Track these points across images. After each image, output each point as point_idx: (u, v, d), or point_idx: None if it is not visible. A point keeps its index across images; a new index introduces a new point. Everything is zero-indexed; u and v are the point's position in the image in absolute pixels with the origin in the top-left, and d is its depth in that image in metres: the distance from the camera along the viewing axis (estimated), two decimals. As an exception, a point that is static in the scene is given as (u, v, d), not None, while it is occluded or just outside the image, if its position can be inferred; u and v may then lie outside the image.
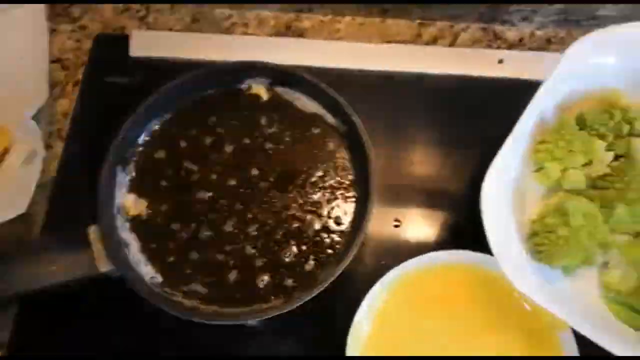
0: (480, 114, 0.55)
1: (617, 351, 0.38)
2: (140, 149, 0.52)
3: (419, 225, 0.52)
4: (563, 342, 0.44)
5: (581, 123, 0.45)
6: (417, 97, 0.57)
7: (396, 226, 0.52)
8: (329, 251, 0.48)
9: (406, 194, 0.54)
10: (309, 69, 0.54)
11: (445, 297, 0.47)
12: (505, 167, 0.44)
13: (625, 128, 0.44)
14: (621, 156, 0.45)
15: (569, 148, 0.44)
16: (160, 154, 0.52)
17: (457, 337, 0.45)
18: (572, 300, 0.44)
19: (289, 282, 0.48)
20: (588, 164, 0.45)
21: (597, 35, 0.43)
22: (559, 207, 0.42)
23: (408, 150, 0.55)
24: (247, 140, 0.52)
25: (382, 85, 0.57)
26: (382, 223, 0.53)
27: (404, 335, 0.46)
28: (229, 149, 0.52)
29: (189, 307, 0.47)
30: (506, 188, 0.44)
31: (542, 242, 0.43)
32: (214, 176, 0.51)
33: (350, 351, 0.44)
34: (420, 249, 0.49)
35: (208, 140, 0.52)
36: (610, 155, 0.45)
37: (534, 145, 0.46)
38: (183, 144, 0.52)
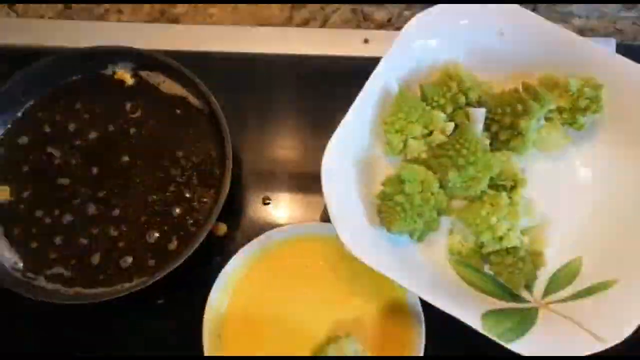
0: (346, 94, 0.57)
1: (448, 310, 0.40)
2: (1, 135, 0.52)
3: (288, 202, 0.54)
4: (410, 304, 0.46)
5: (423, 96, 0.48)
6: (288, 78, 0.58)
7: (266, 204, 0.54)
8: (192, 229, 0.49)
9: (276, 172, 0.55)
10: (182, 54, 0.54)
11: (303, 267, 0.48)
12: (349, 140, 0.46)
13: (462, 99, 0.47)
14: (461, 126, 0.48)
15: (409, 119, 0.46)
16: (24, 140, 0.52)
17: (314, 304, 0.47)
18: (421, 265, 0.46)
19: (152, 262, 0.48)
20: (429, 134, 0.47)
21: (424, 17, 0.46)
22: (396, 176, 0.44)
23: (279, 129, 0.56)
24: (111, 127, 0.53)
25: (253, 67, 0.58)
26: (253, 201, 0.54)
27: (262, 305, 0.47)
28: (93, 135, 0.52)
29: (50, 290, 0.47)
30: (351, 160, 0.46)
31: (381, 209, 0.45)
32: (76, 161, 0.51)
33: (206, 325, 0.45)
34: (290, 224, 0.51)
35: (72, 126, 0.53)
36: (451, 125, 0.47)
37: (383, 118, 0.48)
38: (47, 129, 0.53)
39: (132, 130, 0.52)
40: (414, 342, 0.45)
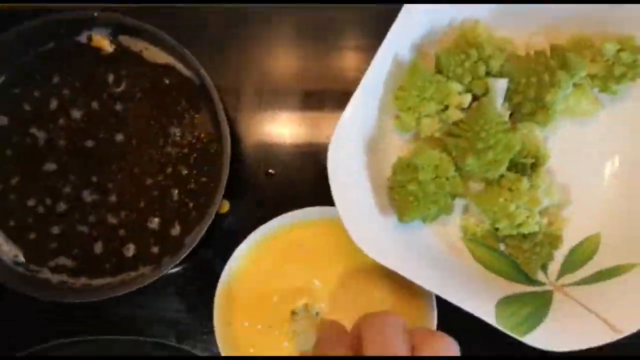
0: (359, 49, 0.51)
1: (460, 304, 0.40)
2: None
3: (292, 174, 0.51)
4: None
5: (439, 65, 0.43)
6: (288, 36, 0.52)
7: (269, 176, 0.51)
8: (193, 213, 0.47)
9: (278, 143, 0.51)
10: (161, 11, 0.48)
11: (313, 251, 0.46)
12: (358, 118, 0.42)
13: (481, 68, 0.42)
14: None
15: (422, 95, 0.41)
16: (3, 120, 0.48)
17: (328, 288, 0.46)
18: (432, 248, 0.44)
19: (155, 249, 0.47)
20: (444, 109, 0.43)
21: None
22: (409, 161, 0.41)
23: (279, 96, 0.51)
24: (95, 104, 0.48)
25: (246, 23, 0.52)
26: (255, 175, 0.51)
27: (272, 290, 0.46)
28: (77, 113, 0.48)
29: (57, 282, 0.47)
30: (360, 140, 0.43)
31: (393, 197, 0.42)
32: (62, 143, 0.48)
33: (216, 312, 0.45)
34: (294, 198, 0.48)
35: (54, 104, 0.48)
36: (468, 97, 0.43)
37: (394, 91, 0.44)
38: (27, 107, 0.48)
39: (119, 107, 0.48)
40: (426, 324, 0.45)
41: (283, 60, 0.52)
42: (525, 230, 0.41)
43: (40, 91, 0.48)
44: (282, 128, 0.51)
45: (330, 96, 0.52)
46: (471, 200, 0.43)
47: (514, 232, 0.42)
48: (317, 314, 0.45)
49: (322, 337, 0.34)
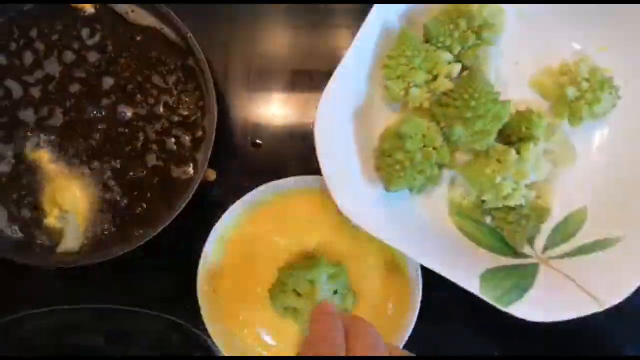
0: (349, 18, 0.50)
1: (445, 274, 0.40)
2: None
3: (279, 145, 0.50)
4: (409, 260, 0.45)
5: (428, 35, 0.42)
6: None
7: (256, 147, 0.50)
8: (182, 179, 0.46)
9: (265, 113, 0.50)
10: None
11: (300, 219, 0.46)
12: (346, 86, 0.41)
13: (472, 38, 0.41)
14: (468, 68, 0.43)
15: (411, 65, 0.41)
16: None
17: (311, 258, 0.46)
18: (419, 219, 0.44)
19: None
20: (433, 79, 0.42)
21: None
22: (396, 131, 0.41)
23: (267, 65, 0.50)
24: (71, 55, 0.47)
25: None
26: (242, 144, 0.50)
27: (257, 257, 0.46)
28: (52, 69, 0.47)
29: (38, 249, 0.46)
30: (348, 109, 0.42)
31: (380, 166, 0.42)
32: (39, 100, 0.46)
33: (200, 279, 0.44)
34: (281, 169, 0.48)
35: (29, 58, 0.47)
36: (458, 67, 0.42)
37: (383, 60, 0.43)
38: (3, 60, 0.47)
39: (105, 68, 0.46)
40: (410, 296, 0.44)
41: (273, 37, 0.51)
42: (511, 202, 0.41)
43: (16, 44, 0.47)
44: (270, 103, 0.51)
45: (320, 74, 0.50)
46: (458, 171, 0.43)
47: (500, 205, 0.42)
48: (335, 292, 0.43)
49: (315, 336, 0.32)
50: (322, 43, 0.51)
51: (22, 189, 0.46)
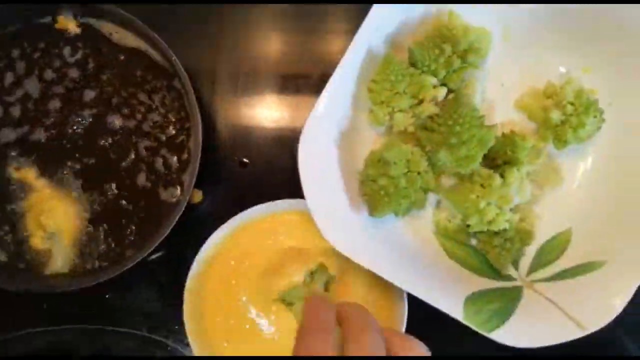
0: (338, 34, 0.50)
1: (428, 300, 0.40)
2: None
3: (267, 166, 0.50)
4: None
5: (412, 59, 0.42)
6: (264, 22, 0.50)
7: (242, 166, 0.50)
8: (167, 202, 0.46)
9: (253, 133, 0.50)
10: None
11: (285, 242, 0.45)
12: (330, 111, 0.41)
13: (457, 62, 0.41)
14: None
15: (395, 90, 0.41)
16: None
17: (294, 277, 0.45)
18: (404, 242, 0.44)
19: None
20: (418, 103, 0.42)
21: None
22: (380, 156, 0.41)
23: (255, 84, 0.50)
24: (51, 74, 0.46)
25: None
26: (229, 165, 0.50)
27: (243, 279, 0.45)
28: (32, 87, 0.46)
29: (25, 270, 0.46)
30: (333, 133, 0.42)
31: (364, 191, 0.42)
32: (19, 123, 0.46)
33: (186, 306, 0.44)
34: (268, 189, 0.47)
35: (10, 77, 0.46)
36: (443, 91, 0.42)
37: (368, 84, 0.43)
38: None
39: (87, 91, 0.46)
40: (396, 313, 0.44)
41: (261, 43, 0.50)
42: (495, 227, 0.41)
43: None
44: (258, 114, 0.50)
45: (309, 81, 0.50)
46: (443, 195, 0.43)
47: (485, 229, 0.42)
48: (326, 283, 0.44)
49: (307, 325, 0.33)
50: (311, 50, 0.50)
51: (6, 210, 0.46)
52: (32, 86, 0.46)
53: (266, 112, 0.50)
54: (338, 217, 0.41)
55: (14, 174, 0.46)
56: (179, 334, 0.49)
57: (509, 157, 0.42)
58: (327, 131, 0.41)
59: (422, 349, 0.32)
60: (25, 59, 0.46)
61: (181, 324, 0.46)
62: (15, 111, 0.46)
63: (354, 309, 0.34)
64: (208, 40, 0.50)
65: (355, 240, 0.40)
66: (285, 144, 0.50)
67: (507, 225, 0.41)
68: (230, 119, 0.50)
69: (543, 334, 0.40)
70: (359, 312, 0.34)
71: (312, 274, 0.44)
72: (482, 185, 0.41)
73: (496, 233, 0.42)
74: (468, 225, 0.43)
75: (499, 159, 0.42)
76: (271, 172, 0.50)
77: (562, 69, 0.45)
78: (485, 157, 0.42)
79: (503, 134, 0.42)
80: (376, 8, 0.39)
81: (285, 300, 0.44)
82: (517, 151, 0.41)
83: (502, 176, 0.41)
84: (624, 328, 0.48)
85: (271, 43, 0.50)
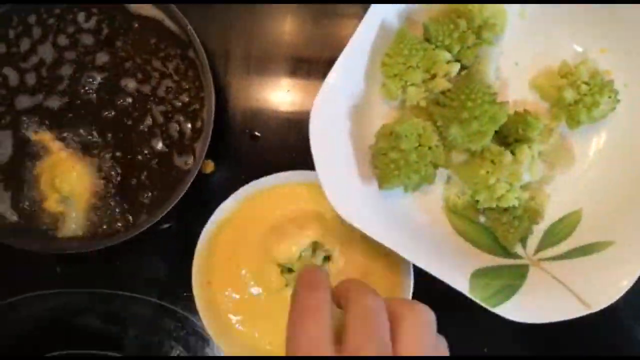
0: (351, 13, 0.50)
1: (435, 273, 0.40)
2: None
3: (277, 139, 0.50)
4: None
5: (427, 34, 0.42)
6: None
7: (254, 139, 0.51)
8: (180, 169, 0.47)
9: (265, 106, 0.51)
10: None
11: (294, 212, 0.46)
12: (343, 84, 0.41)
13: (471, 38, 0.41)
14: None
15: (408, 63, 0.41)
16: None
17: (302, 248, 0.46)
18: (412, 216, 0.44)
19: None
20: (431, 78, 0.42)
21: None
22: (392, 129, 0.41)
23: (268, 58, 0.50)
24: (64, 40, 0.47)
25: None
26: (240, 137, 0.51)
27: (252, 247, 0.46)
28: (48, 54, 0.47)
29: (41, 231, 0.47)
30: (344, 106, 0.42)
31: (374, 164, 0.42)
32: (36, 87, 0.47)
33: (195, 269, 0.45)
34: (278, 162, 0.47)
35: (26, 44, 0.47)
36: (456, 66, 0.42)
37: (382, 58, 0.43)
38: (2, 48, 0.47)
39: (99, 55, 0.47)
40: (401, 289, 0.45)
41: (273, 25, 0.51)
42: (504, 204, 0.41)
43: (14, 31, 0.47)
44: (270, 94, 0.51)
45: (320, 63, 0.51)
46: (453, 170, 0.43)
47: (494, 205, 0.42)
48: (325, 258, 0.45)
49: (299, 304, 0.32)
50: (324, 33, 0.50)
51: (23, 173, 0.47)
52: (46, 52, 0.47)
53: (277, 94, 0.51)
54: (347, 189, 0.41)
55: (32, 136, 0.47)
56: (188, 301, 0.50)
57: (521, 135, 0.42)
58: (339, 103, 0.41)
59: (428, 317, 0.31)
60: (41, 25, 0.47)
61: (190, 292, 0.47)
62: (31, 78, 0.47)
63: (352, 281, 0.33)
64: (222, 19, 0.50)
65: (364, 211, 0.41)
66: (296, 121, 0.50)
67: (516, 202, 0.41)
68: (242, 98, 0.51)
69: (548, 310, 0.40)
70: (358, 282, 0.33)
71: (314, 246, 0.44)
72: (492, 162, 0.41)
73: (505, 210, 0.42)
74: (477, 202, 0.43)
75: (511, 136, 0.42)
76: (281, 146, 0.50)
77: (578, 48, 0.44)
78: (497, 134, 0.42)
79: (516, 112, 0.42)
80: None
81: (291, 271, 0.45)
82: (529, 129, 0.41)
83: (512, 153, 0.41)
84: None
85: (284, 25, 0.51)
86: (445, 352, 0.32)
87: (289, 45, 0.51)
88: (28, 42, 0.47)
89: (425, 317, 0.31)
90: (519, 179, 0.41)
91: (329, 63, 0.40)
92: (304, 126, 0.49)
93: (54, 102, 0.47)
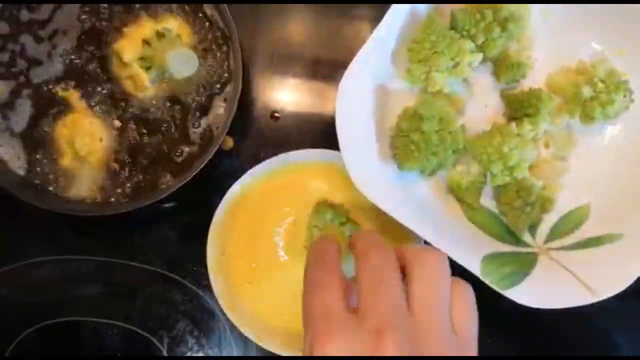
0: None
1: (449, 253, 0.40)
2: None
3: (299, 120, 0.52)
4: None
5: (454, 23, 0.43)
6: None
7: (275, 119, 0.52)
8: (200, 142, 0.48)
9: (286, 86, 0.52)
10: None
11: (312, 190, 0.47)
12: (370, 65, 0.43)
13: (496, 30, 0.43)
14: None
15: (434, 49, 0.42)
16: (3, 28, 0.48)
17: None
18: (428, 200, 0.46)
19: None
20: (455, 65, 0.43)
21: None
22: (415, 111, 0.42)
23: (291, 39, 0.52)
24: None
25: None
26: (261, 116, 0.52)
27: (268, 224, 0.47)
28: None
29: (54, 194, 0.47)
30: (370, 87, 0.43)
31: (395, 144, 0.43)
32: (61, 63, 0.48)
33: (211, 239, 0.46)
34: (299, 143, 0.49)
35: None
36: (479, 57, 0.43)
37: (408, 43, 0.44)
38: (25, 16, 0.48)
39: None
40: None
41: (295, 23, 0.52)
42: (518, 174, 0.42)
43: None
44: (291, 85, 0.52)
45: (343, 64, 0.52)
46: (467, 145, 0.44)
47: (507, 179, 0.43)
48: (340, 223, 0.45)
49: (312, 254, 0.33)
50: (346, 35, 0.52)
51: (44, 126, 0.47)
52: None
53: (299, 83, 0.52)
54: (368, 167, 0.42)
55: (60, 92, 0.47)
56: (197, 275, 0.51)
57: (532, 112, 0.43)
58: (364, 83, 0.43)
59: (441, 265, 0.31)
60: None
61: (200, 265, 0.47)
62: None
63: (363, 233, 0.34)
64: (246, 19, 0.51)
65: (383, 189, 0.42)
66: (316, 108, 0.51)
67: (527, 174, 0.43)
68: (266, 82, 0.52)
69: (555, 297, 0.41)
70: (368, 233, 0.34)
71: (331, 217, 0.45)
72: (500, 133, 0.42)
73: (519, 196, 0.43)
74: (483, 183, 0.44)
75: (521, 111, 0.44)
76: (301, 128, 0.51)
77: (597, 47, 0.46)
78: (509, 107, 0.44)
79: (530, 89, 0.44)
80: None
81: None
82: (541, 104, 0.43)
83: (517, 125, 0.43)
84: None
85: (305, 23, 0.52)
86: (464, 293, 0.32)
87: (312, 40, 0.52)
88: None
89: (433, 264, 0.31)
90: (527, 146, 0.42)
91: (348, 59, 0.42)
92: (324, 114, 0.51)
93: (82, 63, 0.48)
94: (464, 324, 0.31)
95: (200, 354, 0.50)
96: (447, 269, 0.32)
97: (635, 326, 0.50)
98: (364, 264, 0.31)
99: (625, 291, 0.41)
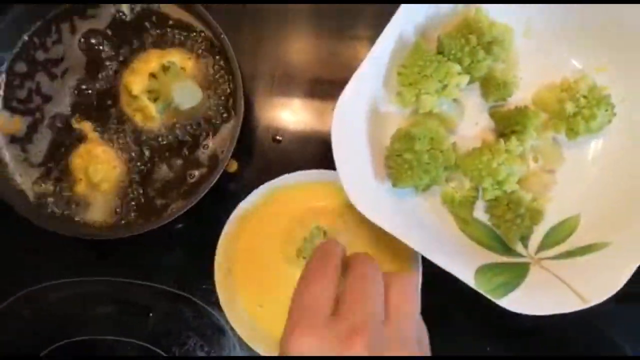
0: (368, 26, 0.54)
1: (444, 266, 0.43)
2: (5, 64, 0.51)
3: (300, 142, 0.54)
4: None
5: (441, 48, 0.46)
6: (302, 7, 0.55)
7: (277, 142, 0.54)
8: (205, 167, 0.51)
9: (287, 110, 0.55)
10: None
11: (314, 210, 0.50)
12: (363, 89, 0.45)
13: (481, 53, 0.45)
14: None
15: (423, 73, 0.45)
16: (22, 67, 0.51)
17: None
18: (422, 215, 0.48)
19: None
20: (444, 87, 0.46)
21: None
22: (407, 132, 0.44)
23: (291, 64, 0.55)
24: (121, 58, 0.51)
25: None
26: (263, 139, 0.54)
27: (273, 243, 0.50)
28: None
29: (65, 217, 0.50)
30: (363, 111, 0.46)
31: (389, 164, 0.45)
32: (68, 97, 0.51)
33: (217, 259, 0.48)
34: (300, 165, 0.51)
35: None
36: (466, 78, 0.46)
37: (398, 68, 0.47)
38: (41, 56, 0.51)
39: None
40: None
41: (295, 45, 0.55)
42: (507, 187, 0.45)
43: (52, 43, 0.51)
44: (292, 106, 0.55)
45: (341, 84, 0.55)
46: (459, 162, 0.47)
47: (498, 193, 0.45)
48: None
49: (318, 250, 0.38)
50: (343, 53, 0.55)
51: (60, 156, 0.51)
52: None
53: (299, 104, 0.55)
54: (364, 185, 0.44)
55: (74, 124, 0.51)
56: (206, 292, 0.53)
57: (518, 128, 0.46)
58: (358, 107, 0.45)
59: (409, 279, 0.36)
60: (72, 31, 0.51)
61: (208, 284, 0.50)
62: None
63: (357, 253, 0.38)
64: (246, 42, 0.55)
65: (379, 206, 0.44)
66: (315, 129, 0.54)
67: (516, 187, 0.45)
68: (267, 105, 0.55)
69: (548, 304, 0.43)
70: (361, 254, 0.38)
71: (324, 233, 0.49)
72: (490, 150, 0.45)
73: (509, 208, 0.46)
74: (475, 197, 0.47)
75: (508, 128, 0.46)
76: (302, 151, 0.54)
77: (579, 66, 0.48)
78: (498, 125, 0.47)
79: (516, 107, 0.46)
80: (405, 7, 0.43)
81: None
82: (527, 121, 0.45)
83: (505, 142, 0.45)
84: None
85: (305, 46, 0.55)
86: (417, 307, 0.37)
87: (312, 63, 0.55)
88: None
89: (408, 280, 0.37)
90: (514, 162, 0.45)
91: (346, 79, 0.45)
92: (324, 135, 0.53)
93: (98, 98, 0.51)
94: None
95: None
96: (416, 285, 0.40)
97: (636, 327, 0.52)
98: (353, 272, 0.35)
99: (624, 294, 0.42)
